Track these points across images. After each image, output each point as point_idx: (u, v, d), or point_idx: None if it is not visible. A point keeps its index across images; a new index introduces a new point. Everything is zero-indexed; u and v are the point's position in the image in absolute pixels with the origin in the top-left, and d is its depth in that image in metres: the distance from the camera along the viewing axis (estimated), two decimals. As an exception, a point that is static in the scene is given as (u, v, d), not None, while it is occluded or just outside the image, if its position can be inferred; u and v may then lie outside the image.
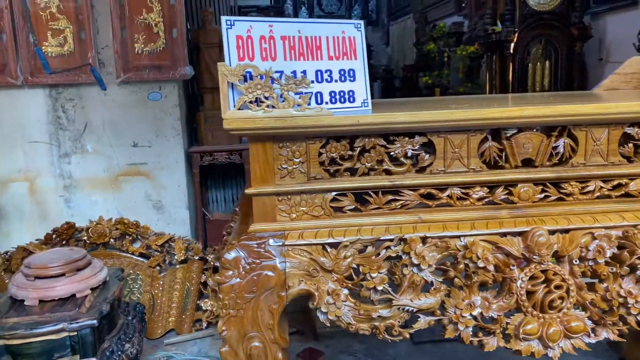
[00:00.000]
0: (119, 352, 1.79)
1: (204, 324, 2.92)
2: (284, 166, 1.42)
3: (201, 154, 3.16)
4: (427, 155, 1.45)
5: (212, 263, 2.97)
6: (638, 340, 2.18)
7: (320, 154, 1.42)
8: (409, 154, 1.45)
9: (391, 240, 1.42)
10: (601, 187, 1.51)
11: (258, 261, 1.39)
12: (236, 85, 1.33)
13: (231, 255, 1.38)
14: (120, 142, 3.14)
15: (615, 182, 1.52)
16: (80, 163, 3.14)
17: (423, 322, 1.42)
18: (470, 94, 4.93)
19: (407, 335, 1.40)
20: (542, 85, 5.15)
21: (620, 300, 1.43)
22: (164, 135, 3.11)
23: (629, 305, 1.43)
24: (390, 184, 1.45)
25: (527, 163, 1.49)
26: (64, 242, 2.97)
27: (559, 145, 1.48)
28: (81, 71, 2.92)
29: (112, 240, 3.04)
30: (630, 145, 1.51)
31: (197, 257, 2.95)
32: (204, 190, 3.45)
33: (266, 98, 1.33)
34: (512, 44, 4.96)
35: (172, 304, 2.90)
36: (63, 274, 2.09)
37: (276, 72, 1.36)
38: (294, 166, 1.42)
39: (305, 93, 1.36)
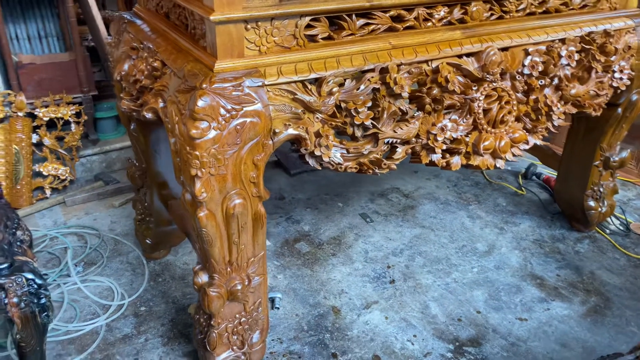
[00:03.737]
0: (18, 243, 1.37)
1: (47, 192, 2.43)
2: (253, -17, 1.12)
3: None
4: (402, -31, 1.30)
5: (43, 119, 2.38)
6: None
7: (295, -35, 1.15)
8: (386, -33, 1.27)
9: (372, 70, 1.29)
10: (531, 4, 1.59)
11: (239, 107, 1.13)
12: None
13: (204, 102, 1.10)
14: None
15: (541, -1, 1.60)
16: None
17: (401, 151, 1.40)
18: None
19: (394, 167, 1.37)
20: None
21: (546, 109, 1.60)
22: None
23: (552, 113, 1.62)
24: (368, 4, 1.27)
25: (482, -21, 1.46)
26: None
27: (508, -40, 1.47)
28: None
29: None
30: (557, -40, 1.57)
31: (21, 114, 2.31)
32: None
33: None
34: None
35: (-2, 174, 2.30)
36: None
37: None
38: (265, -18, 1.13)
39: None
